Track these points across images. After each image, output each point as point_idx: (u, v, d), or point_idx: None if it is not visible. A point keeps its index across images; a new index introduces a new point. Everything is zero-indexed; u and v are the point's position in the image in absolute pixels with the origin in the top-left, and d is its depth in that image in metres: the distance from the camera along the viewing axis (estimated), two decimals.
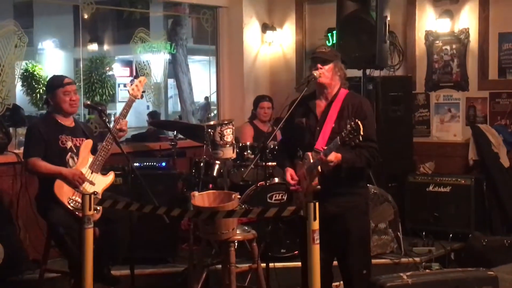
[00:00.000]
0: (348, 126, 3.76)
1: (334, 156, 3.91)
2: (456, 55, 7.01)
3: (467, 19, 6.93)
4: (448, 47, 7.05)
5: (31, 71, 15.02)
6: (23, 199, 5.53)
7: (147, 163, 5.85)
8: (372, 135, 4.08)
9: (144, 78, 5.14)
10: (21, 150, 5.02)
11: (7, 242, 4.91)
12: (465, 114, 7.02)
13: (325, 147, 3.94)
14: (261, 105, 6.82)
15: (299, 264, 4.39)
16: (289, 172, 4.20)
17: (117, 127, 4.79)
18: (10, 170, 5.53)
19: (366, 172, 4.40)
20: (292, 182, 4.17)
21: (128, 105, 4.88)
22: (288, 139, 4.39)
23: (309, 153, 4.05)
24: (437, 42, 7.10)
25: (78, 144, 4.82)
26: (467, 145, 6.87)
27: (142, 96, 5.05)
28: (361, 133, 3.71)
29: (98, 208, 4.35)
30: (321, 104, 4.20)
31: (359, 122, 3.72)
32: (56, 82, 4.88)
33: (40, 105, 14.19)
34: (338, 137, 3.83)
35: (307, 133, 4.16)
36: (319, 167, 3.94)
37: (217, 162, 5.66)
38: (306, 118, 4.19)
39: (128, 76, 16.40)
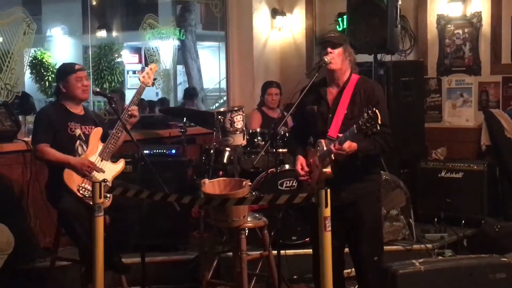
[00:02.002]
0: (365, 114, 3.69)
1: (348, 145, 3.85)
2: (468, 39, 6.94)
3: (480, 3, 6.85)
4: (460, 31, 6.98)
5: (39, 58, 14.98)
6: (33, 187, 5.52)
7: (157, 150, 5.83)
8: (385, 121, 4.03)
9: (155, 65, 5.10)
10: (31, 137, 5.00)
11: (18, 230, 4.91)
12: (478, 99, 6.95)
13: (340, 135, 3.89)
14: (269, 91, 6.76)
15: (310, 251, 4.36)
16: (300, 161, 4.15)
17: (128, 113, 4.76)
18: (20, 158, 5.52)
19: (379, 158, 4.36)
20: (302, 172, 4.13)
21: (139, 92, 4.86)
22: (299, 126, 4.35)
23: (322, 141, 4.00)
24: (449, 26, 7.03)
25: (87, 132, 4.80)
26: (480, 130, 6.82)
27: (153, 84, 5.01)
28: (379, 121, 3.65)
29: (109, 195, 4.34)
30: (332, 90, 4.15)
31: (377, 111, 3.66)
32: (68, 69, 4.85)
33: (49, 93, 14.18)
34: (354, 125, 3.76)
35: (319, 120, 4.11)
36: (332, 155, 3.89)
37: (227, 149, 5.62)
38: (318, 105, 4.14)
39: (137, 63, 16.36)
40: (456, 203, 6.44)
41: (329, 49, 4.09)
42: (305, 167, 4.12)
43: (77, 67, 4.86)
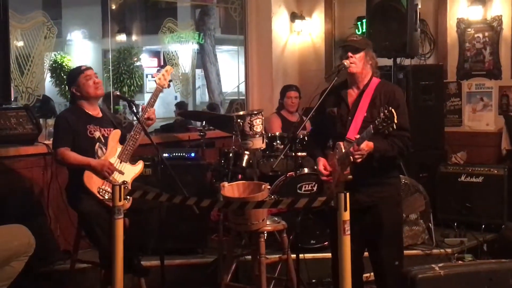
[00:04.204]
0: (382, 114, 3.70)
1: (365, 145, 3.85)
2: (488, 43, 6.91)
3: (500, 6, 6.82)
4: (480, 35, 6.95)
5: (60, 62, 15.09)
6: (53, 189, 5.56)
7: (176, 154, 5.85)
8: (405, 124, 4.02)
9: (171, 67, 5.13)
10: (51, 141, 5.04)
11: (39, 233, 4.92)
12: (498, 103, 6.92)
13: (358, 136, 3.89)
14: (288, 94, 6.77)
15: (329, 255, 4.36)
16: (322, 162, 4.15)
17: (145, 116, 4.79)
18: (40, 161, 5.56)
19: (397, 162, 4.34)
20: (325, 172, 4.12)
21: (155, 94, 4.90)
22: (319, 129, 4.35)
23: (341, 143, 4.00)
24: (469, 29, 7.00)
25: (106, 134, 4.83)
26: (500, 134, 6.79)
27: (169, 86, 5.05)
28: (395, 121, 3.65)
29: (128, 197, 4.36)
30: (352, 93, 4.15)
31: (393, 110, 3.66)
32: (75, 72, 4.93)
33: (69, 96, 14.30)
34: (371, 125, 3.77)
35: (338, 123, 4.11)
36: (351, 157, 3.89)
37: (246, 152, 5.63)
38: (338, 108, 4.14)
39: (156, 67, 16.44)
40: (476, 208, 6.41)
41: (349, 54, 4.08)
42: (328, 167, 4.12)
43: (83, 67, 4.91)
